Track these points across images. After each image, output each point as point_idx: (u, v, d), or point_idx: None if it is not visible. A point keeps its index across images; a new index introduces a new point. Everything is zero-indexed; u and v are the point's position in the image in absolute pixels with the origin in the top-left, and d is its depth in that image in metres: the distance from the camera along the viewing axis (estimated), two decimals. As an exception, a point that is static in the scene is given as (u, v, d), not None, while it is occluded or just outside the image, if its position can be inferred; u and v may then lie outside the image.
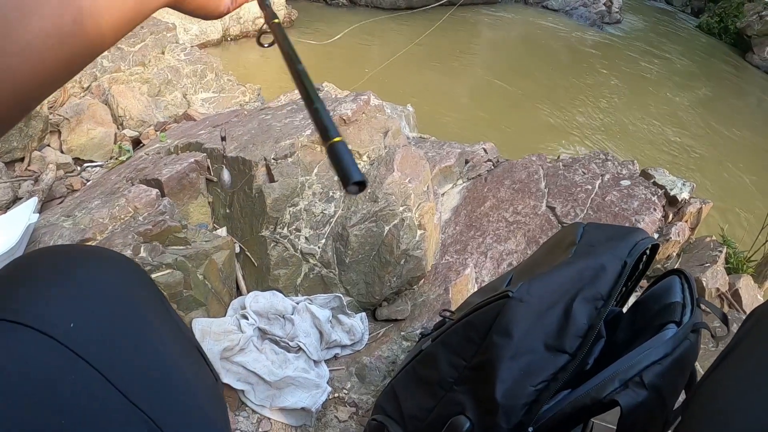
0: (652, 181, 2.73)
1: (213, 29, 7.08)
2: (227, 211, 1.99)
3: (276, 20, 0.72)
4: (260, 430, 1.66)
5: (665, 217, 2.62)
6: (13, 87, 0.49)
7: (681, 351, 1.04)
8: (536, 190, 2.63)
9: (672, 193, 2.64)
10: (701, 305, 1.18)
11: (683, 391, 1.18)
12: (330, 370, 1.83)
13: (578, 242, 1.25)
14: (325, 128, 0.52)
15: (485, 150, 2.88)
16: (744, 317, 2.35)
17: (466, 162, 2.78)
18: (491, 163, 2.89)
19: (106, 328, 0.65)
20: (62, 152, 3.13)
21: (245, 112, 2.50)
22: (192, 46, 5.08)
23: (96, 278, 0.70)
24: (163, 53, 4.81)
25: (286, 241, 1.89)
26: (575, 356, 1.04)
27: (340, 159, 0.49)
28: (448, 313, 1.37)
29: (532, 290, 1.11)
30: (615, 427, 1.01)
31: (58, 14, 0.51)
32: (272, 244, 1.89)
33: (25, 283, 0.65)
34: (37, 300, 0.62)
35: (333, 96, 2.93)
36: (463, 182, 2.74)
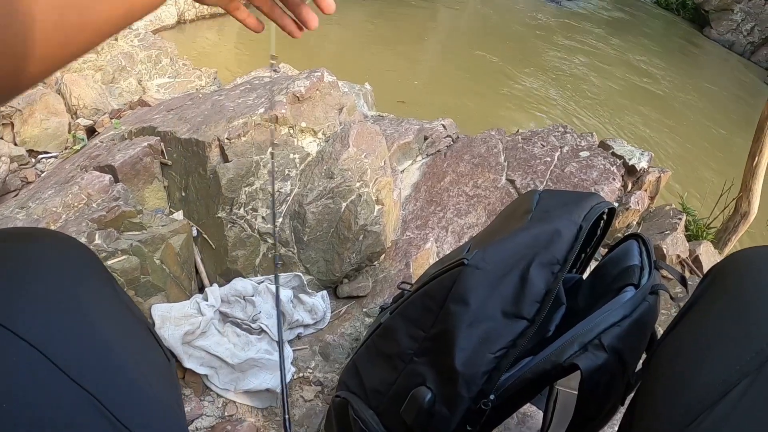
0: (610, 151, 2.75)
1: (168, 14, 6.97)
2: (183, 194, 1.95)
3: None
4: (226, 413, 1.64)
5: (624, 186, 2.63)
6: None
7: (639, 313, 1.03)
8: (496, 163, 2.62)
9: (630, 162, 2.66)
10: (660, 268, 1.18)
11: (644, 353, 1.18)
12: (293, 350, 1.81)
13: (534, 209, 1.24)
14: None
15: (444, 126, 2.86)
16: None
17: (425, 138, 2.77)
18: (450, 138, 2.88)
19: (49, 309, 0.63)
20: (16, 144, 3.07)
21: (200, 96, 2.46)
22: (146, 32, 5.01)
23: (38, 260, 0.68)
24: (116, 40, 4.74)
25: (242, 221, 1.86)
26: (534, 322, 1.03)
27: None
28: (406, 286, 1.35)
29: (487, 257, 1.09)
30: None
31: None
32: (229, 225, 1.86)
33: None
34: None
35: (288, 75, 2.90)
36: (423, 158, 2.73)
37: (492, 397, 1.03)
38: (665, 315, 2.14)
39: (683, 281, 1.16)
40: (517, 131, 2.99)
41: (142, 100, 3.54)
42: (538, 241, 1.08)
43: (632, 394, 1.02)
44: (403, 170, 2.62)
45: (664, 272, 1.73)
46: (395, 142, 2.59)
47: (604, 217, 1.31)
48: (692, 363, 0.78)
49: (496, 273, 1.07)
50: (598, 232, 1.36)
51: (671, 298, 1.14)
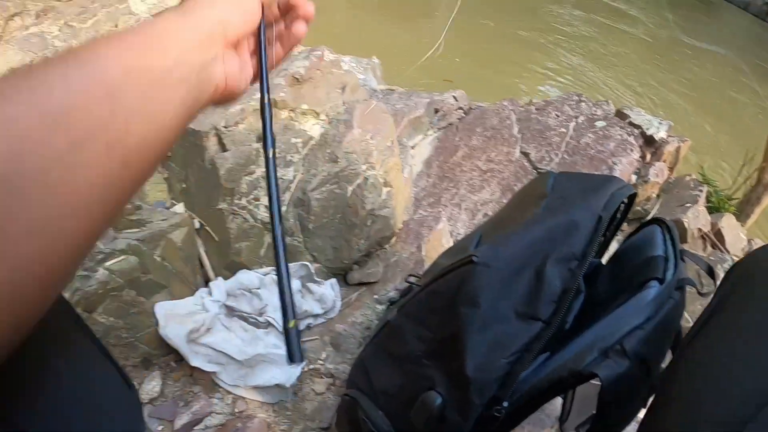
0: (627, 121, 2.66)
1: (172, -6, 6.87)
2: (183, 185, 1.88)
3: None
4: (236, 410, 1.58)
5: (643, 157, 2.55)
6: (65, 248, 0.45)
7: (665, 312, 0.95)
8: (509, 136, 2.54)
9: (648, 132, 2.58)
10: (685, 258, 1.10)
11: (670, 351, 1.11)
12: (303, 342, 1.75)
13: (549, 195, 1.15)
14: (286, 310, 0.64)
15: (455, 98, 2.79)
16: (727, 257, 2.29)
17: (436, 111, 2.70)
18: (462, 110, 2.80)
19: None
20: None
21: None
22: (150, 16, 4.91)
23: None
24: (116, 27, 4.64)
25: (245, 212, 1.78)
26: (550, 323, 0.95)
27: (290, 341, 0.63)
28: (413, 279, 1.28)
29: (498, 254, 1.00)
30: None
31: (105, 161, 0.47)
32: (230, 217, 1.78)
33: None
34: None
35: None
36: (434, 132, 2.66)
37: (505, 404, 0.95)
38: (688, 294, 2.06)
39: (711, 272, 1.08)
40: (530, 101, 2.90)
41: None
42: (554, 235, 0.99)
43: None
44: (414, 146, 2.54)
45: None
46: (405, 117, 2.52)
47: (625, 200, 1.22)
48: (723, 375, 0.71)
49: (508, 271, 0.98)
50: (618, 216, 1.28)
51: (698, 293, 1.06)
